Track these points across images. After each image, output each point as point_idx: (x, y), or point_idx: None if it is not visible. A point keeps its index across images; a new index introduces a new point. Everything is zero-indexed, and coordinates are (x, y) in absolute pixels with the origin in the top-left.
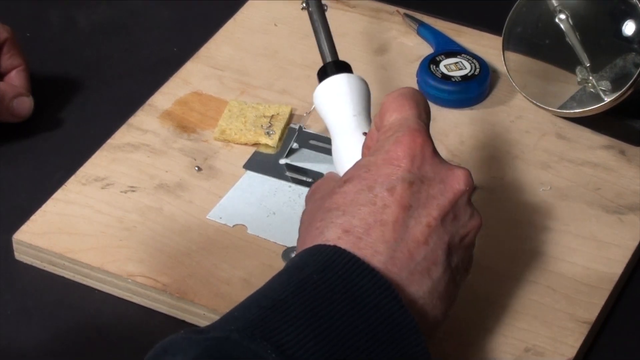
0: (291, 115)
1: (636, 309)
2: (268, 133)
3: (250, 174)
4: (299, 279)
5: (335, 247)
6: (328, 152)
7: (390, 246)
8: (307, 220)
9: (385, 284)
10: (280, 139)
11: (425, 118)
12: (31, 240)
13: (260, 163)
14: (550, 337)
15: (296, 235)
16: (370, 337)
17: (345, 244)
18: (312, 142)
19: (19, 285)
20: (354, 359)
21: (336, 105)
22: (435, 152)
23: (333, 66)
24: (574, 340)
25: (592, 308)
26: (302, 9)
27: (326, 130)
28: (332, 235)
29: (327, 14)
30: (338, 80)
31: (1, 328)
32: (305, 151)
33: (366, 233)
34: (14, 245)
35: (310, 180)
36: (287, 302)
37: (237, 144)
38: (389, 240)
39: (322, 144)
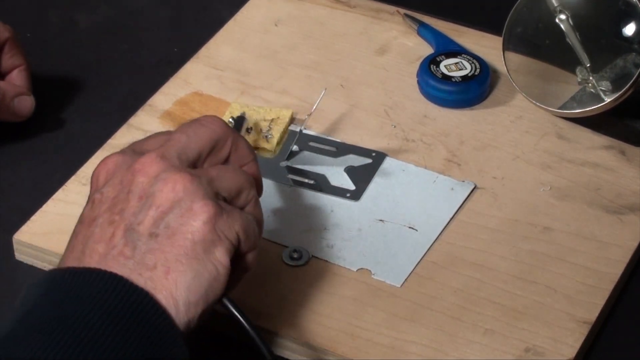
0: (292, 120)
1: (636, 309)
2: (266, 137)
3: None
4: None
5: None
6: (328, 153)
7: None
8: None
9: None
10: (278, 143)
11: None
12: (31, 240)
13: (262, 166)
14: (550, 337)
15: (296, 236)
16: (111, 321)
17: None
18: (312, 144)
19: (19, 286)
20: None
21: None
22: (123, 159)
23: None
24: (574, 340)
25: (592, 308)
26: None
27: (326, 131)
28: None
29: (326, 14)
30: None
31: (1, 328)
32: (305, 153)
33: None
34: (14, 246)
35: (312, 182)
36: (15, 332)
37: None
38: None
39: (322, 145)
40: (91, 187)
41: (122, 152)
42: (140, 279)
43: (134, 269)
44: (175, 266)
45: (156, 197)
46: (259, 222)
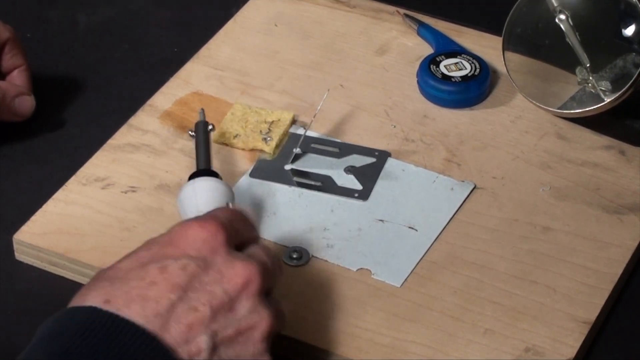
0: (293, 122)
1: (636, 309)
2: (265, 139)
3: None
4: (61, 347)
5: (92, 307)
6: (331, 154)
7: (148, 321)
8: (85, 286)
9: (149, 334)
10: (277, 145)
11: (234, 223)
12: (31, 240)
13: (266, 170)
14: (550, 337)
15: (296, 236)
16: None
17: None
18: (314, 145)
19: (19, 286)
20: None
21: (190, 203)
22: (228, 244)
23: (202, 172)
24: (574, 340)
25: (592, 308)
26: (191, 135)
27: (326, 132)
28: (92, 303)
29: (326, 14)
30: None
31: (1, 328)
32: (309, 155)
33: (126, 306)
34: (15, 246)
35: (318, 184)
36: None
37: (235, 148)
38: (148, 315)
39: (325, 146)
40: (176, 233)
41: (224, 237)
42: None
43: None
44: None
45: (253, 333)
46: None
